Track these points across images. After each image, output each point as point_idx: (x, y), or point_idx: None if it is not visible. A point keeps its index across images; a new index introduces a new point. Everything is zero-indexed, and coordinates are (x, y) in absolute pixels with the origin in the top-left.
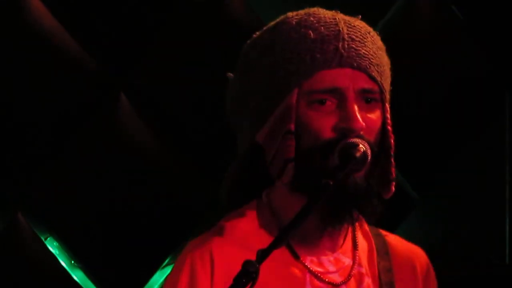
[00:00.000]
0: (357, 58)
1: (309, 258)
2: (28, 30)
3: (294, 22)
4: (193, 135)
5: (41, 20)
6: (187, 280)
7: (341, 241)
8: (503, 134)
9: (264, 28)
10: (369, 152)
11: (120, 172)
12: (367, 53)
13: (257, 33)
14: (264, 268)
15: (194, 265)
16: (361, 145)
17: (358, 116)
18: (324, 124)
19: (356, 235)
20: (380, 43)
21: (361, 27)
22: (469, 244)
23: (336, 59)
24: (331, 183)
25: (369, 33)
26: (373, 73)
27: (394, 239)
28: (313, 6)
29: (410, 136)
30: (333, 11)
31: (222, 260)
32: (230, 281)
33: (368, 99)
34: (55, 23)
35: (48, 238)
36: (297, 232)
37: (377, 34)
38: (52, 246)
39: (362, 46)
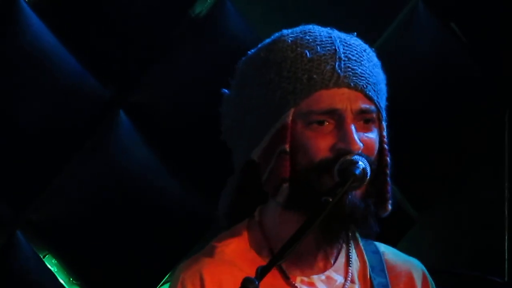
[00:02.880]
0: (354, 78)
1: (299, 278)
2: (27, 47)
3: (289, 41)
4: (192, 153)
5: (40, 38)
6: None
7: (334, 258)
8: (503, 153)
9: (260, 45)
10: (368, 169)
11: (119, 190)
12: (363, 72)
13: (253, 50)
14: None
15: (185, 287)
16: (360, 162)
17: (356, 138)
18: (322, 144)
19: (350, 252)
20: (375, 59)
21: (357, 45)
22: (468, 261)
23: (333, 79)
24: (331, 200)
25: (365, 50)
26: (370, 93)
27: (391, 254)
28: (310, 22)
29: (409, 154)
30: (328, 28)
31: (212, 281)
32: None
33: (365, 119)
34: (55, 41)
35: (47, 256)
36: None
37: (372, 51)
38: (51, 264)
39: (359, 65)
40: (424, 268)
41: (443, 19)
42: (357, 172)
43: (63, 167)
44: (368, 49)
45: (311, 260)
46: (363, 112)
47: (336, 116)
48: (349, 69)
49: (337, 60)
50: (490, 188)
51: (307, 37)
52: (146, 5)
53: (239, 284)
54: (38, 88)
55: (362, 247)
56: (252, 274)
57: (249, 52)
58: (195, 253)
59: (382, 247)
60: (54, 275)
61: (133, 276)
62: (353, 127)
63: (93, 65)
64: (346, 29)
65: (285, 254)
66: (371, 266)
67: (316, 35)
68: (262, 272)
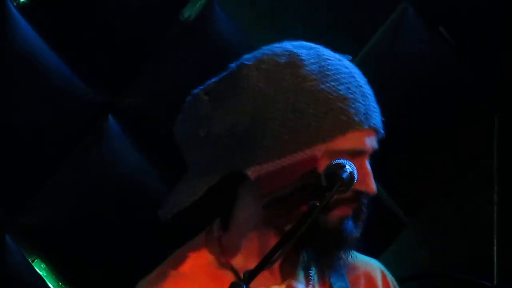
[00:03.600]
0: (377, 117)
1: None
2: (15, 51)
3: (315, 69)
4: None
5: (28, 42)
6: None
7: (294, 266)
8: (492, 157)
9: (272, 55)
10: (355, 173)
11: (108, 194)
12: (377, 107)
13: (264, 56)
14: None
15: None
16: (347, 166)
17: (374, 182)
18: None
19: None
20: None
21: (361, 75)
22: (458, 265)
23: (367, 120)
24: (318, 204)
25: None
26: (382, 131)
27: (347, 257)
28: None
29: (399, 158)
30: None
31: None
32: None
33: None
34: (43, 45)
35: (36, 260)
36: (249, 262)
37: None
38: (40, 268)
39: (373, 99)
40: (383, 267)
41: (432, 23)
42: (344, 176)
43: (52, 172)
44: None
45: (271, 271)
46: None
47: (359, 156)
48: (373, 108)
49: (366, 99)
50: (480, 192)
51: (330, 67)
52: (136, 9)
53: None
54: (27, 92)
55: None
56: (212, 286)
57: (232, 65)
58: None
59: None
60: (43, 279)
61: (123, 280)
62: (370, 169)
63: (82, 70)
64: (336, 33)
65: (273, 259)
66: (327, 271)
67: (335, 64)
68: (250, 277)
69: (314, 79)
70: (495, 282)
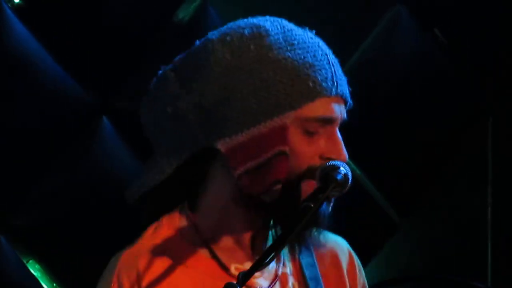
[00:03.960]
0: (344, 86)
1: (233, 265)
2: (9, 53)
3: (280, 38)
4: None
5: (23, 44)
6: None
7: (264, 243)
8: (486, 159)
9: (237, 29)
10: (350, 174)
11: (102, 195)
12: (345, 77)
13: (228, 31)
14: (187, 277)
15: (121, 279)
16: (342, 168)
17: (344, 149)
18: (312, 150)
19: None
20: None
21: (326, 45)
22: (451, 267)
23: (334, 87)
24: (312, 205)
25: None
26: (349, 101)
27: (316, 233)
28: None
29: (392, 160)
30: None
31: (149, 273)
32: None
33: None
34: (38, 47)
35: (30, 261)
36: (221, 239)
37: None
38: (34, 269)
39: (340, 69)
40: (349, 247)
41: (426, 24)
42: (339, 177)
43: (46, 173)
44: None
45: (241, 247)
46: (344, 121)
47: (329, 124)
48: (340, 77)
49: (332, 67)
50: (474, 194)
51: (296, 36)
52: (130, 11)
53: (174, 274)
54: (21, 93)
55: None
56: (186, 264)
57: (222, 32)
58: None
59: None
60: (38, 280)
61: None
62: (341, 137)
63: (76, 71)
64: (330, 34)
65: (266, 261)
66: (299, 246)
67: (300, 34)
68: (244, 278)
69: (279, 48)
70: (489, 284)
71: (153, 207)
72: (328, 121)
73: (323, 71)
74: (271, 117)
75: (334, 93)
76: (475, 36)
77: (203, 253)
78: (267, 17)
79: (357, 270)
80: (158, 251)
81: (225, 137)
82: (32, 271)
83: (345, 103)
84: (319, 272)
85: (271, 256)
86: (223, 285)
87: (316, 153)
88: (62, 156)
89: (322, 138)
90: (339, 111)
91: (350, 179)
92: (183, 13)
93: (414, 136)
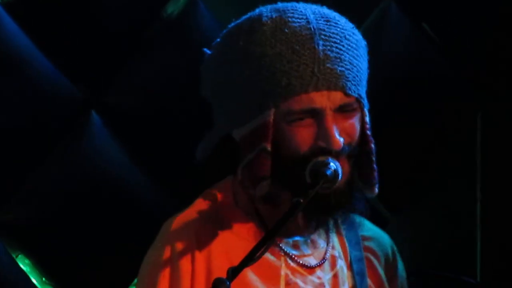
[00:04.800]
0: (333, 79)
1: (284, 240)
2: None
3: (269, 32)
4: (164, 153)
5: (13, 39)
6: (169, 266)
7: (315, 226)
8: (475, 154)
9: (240, 22)
10: (340, 170)
11: (91, 190)
12: (343, 69)
13: (233, 24)
14: (239, 248)
15: (174, 243)
16: (331, 163)
17: (336, 136)
18: (303, 139)
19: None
20: (356, 42)
21: (336, 34)
22: (441, 262)
23: (312, 83)
24: (302, 201)
25: (345, 37)
26: (349, 91)
27: (365, 227)
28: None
29: (382, 155)
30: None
31: (204, 241)
32: (211, 259)
33: (346, 110)
34: (27, 42)
35: (19, 256)
36: (274, 215)
37: (353, 28)
38: (24, 264)
39: (338, 61)
40: (393, 245)
41: (415, 19)
42: (328, 173)
43: (36, 168)
44: (349, 33)
45: (293, 224)
46: (342, 107)
47: (316, 113)
48: (328, 70)
49: (316, 61)
50: (463, 189)
51: (286, 30)
52: (119, 5)
53: (226, 241)
54: (10, 89)
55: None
56: (238, 233)
57: (240, 20)
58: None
59: (358, 218)
60: (27, 275)
61: (106, 276)
62: (333, 126)
63: (65, 66)
64: None
65: (258, 255)
66: (348, 240)
67: (296, 29)
68: (233, 273)
69: (264, 45)
70: (478, 279)
71: (210, 171)
72: (312, 112)
73: (302, 67)
74: (254, 115)
75: (313, 88)
76: (464, 31)
77: (254, 222)
78: (282, 6)
79: (397, 266)
80: (212, 218)
81: (235, 128)
82: (21, 265)
83: (342, 92)
84: (365, 268)
85: (262, 250)
86: (270, 255)
87: (308, 141)
88: (51, 151)
89: (313, 125)
90: (326, 102)
91: (340, 174)
92: (172, 8)
93: (403, 132)
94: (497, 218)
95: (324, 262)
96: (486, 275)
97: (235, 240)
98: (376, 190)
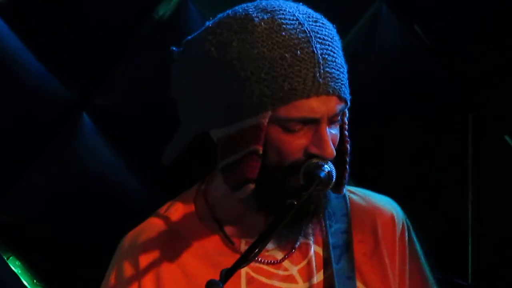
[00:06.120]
0: (332, 83)
1: (244, 240)
2: None
3: (264, 35)
4: (155, 154)
5: (3, 40)
6: (116, 274)
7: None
8: (466, 155)
9: (222, 19)
10: (334, 172)
11: (83, 192)
12: (339, 73)
13: (214, 25)
14: (195, 260)
15: (122, 264)
16: (326, 166)
17: (331, 145)
18: (295, 146)
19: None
20: (338, 41)
21: (327, 36)
22: (432, 264)
23: (314, 88)
24: (295, 203)
25: (333, 38)
26: (344, 94)
27: (358, 197)
28: None
29: (372, 156)
30: (294, 8)
31: (148, 259)
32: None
33: (333, 121)
34: (18, 43)
35: (11, 258)
36: (231, 215)
37: (334, 27)
38: (15, 266)
39: (334, 65)
40: (395, 211)
41: (406, 21)
42: (322, 175)
43: (27, 170)
44: (333, 33)
45: (254, 222)
46: (336, 115)
47: (312, 122)
48: (328, 74)
49: (317, 65)
50: (454, 191)
51: (283, 33)
52: (110, 7)
53: (180, 252)
54: (0, 91)
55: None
56: (194, 240)
57: (208, 23)
58: None
59: (351, 189)
60: (18, 277)
61: (98, 278)
62: (328, 135)
63: (56, 67)
64: None
65: (250, 257)
66: (331, 212)
67: (291, 29)
68: (226, 275)
69: (260, 46)
70: (469, 281)
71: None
72: (308, 121)
73: (303, 72)
74: (246, 116)
75: (314, 93)
76: (455, 32)
77: (213, 229)
78: (268, 5)
79: (397, 237)
80: (166, 231)
81: (213, 127)
82: (12, 267)
83: (339, 98)
84: (352, 238)
85: (255, 251)
86: (232, 262)
87: (301, 148)
88: (42, 153)
89: (308, 133)
90: (324, 109)
91: (334, 176)
92: (164, 10)
93: (394, 132)
94: (489, 220)
95: (292, 252)
96: (477, 277)
97: (189, 247)
98: (344, 190)
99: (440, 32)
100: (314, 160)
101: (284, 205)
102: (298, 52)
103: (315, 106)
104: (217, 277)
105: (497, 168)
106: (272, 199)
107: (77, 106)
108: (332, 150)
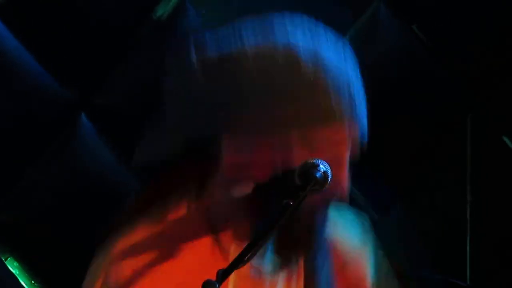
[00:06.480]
0: (360, 115)
1: (233, 245)
2: None
3: (311, 64)
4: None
5: (2, 40)
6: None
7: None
8: (465, 156)
9: (268, 52)
10: (329, 172)
11: (81, 192)
12: (364, 109)
13: (261, 55)
14: (186, 262)
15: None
16: (321, 165)
17: (347, 181)
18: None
19: None
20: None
21: (358, 76)
22: (431, 265)
23: (348, 111)
24: (291, 203)
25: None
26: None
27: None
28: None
29: (371, 157)
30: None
31: (136, 257)
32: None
33: None
34: (17, 44)
35: (9, 259)
36: (224, 218)
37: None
38: (13, 267)
39: (360, 102)
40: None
41: (405, 21)
42: (318, 175)
43: (25, 170)
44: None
45: (245, 226)
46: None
47: (337, 146)
48: (354, 105)
49: (350, 94)
50: (453, 192)
51: (328, 80)
52: (109, 7)
53: (168, 256)
54: (1, 90)
55: None
56: (186, 244)
57: (256, 41)
58: None
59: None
60: (16, 278)
61: None
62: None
63: (55, 68)
64: None
65: (246, 258)
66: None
67: (333, 70)
68: (223, 275)
69: (304, 79)
70: (468, 282)
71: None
72: (336, 144)
73: (338, 114)
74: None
75: (347, 118)
76: (454, 33)
77: (206, 231)
78: (303, 34)
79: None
80: (156, 230)
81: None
82: (10, 268)
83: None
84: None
85: (250, 253)
86: (223, 265)
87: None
88: (41, 154)
89: (327, 154)
90: (351, 136)
91: (330, 177)
92: (162, 10)
93: (392, 132)
94: (487, 220)
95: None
96: (476, 277)
97: (181, 256)
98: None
99: (440, 32)
100: (310, 160)
101: (280, 205)
102: (338, 98)
103: (346, 130)
104: (209, 278)
105: (496, 169)
106: (268, 199)
107: (77, 106)
108: (346, 185)
